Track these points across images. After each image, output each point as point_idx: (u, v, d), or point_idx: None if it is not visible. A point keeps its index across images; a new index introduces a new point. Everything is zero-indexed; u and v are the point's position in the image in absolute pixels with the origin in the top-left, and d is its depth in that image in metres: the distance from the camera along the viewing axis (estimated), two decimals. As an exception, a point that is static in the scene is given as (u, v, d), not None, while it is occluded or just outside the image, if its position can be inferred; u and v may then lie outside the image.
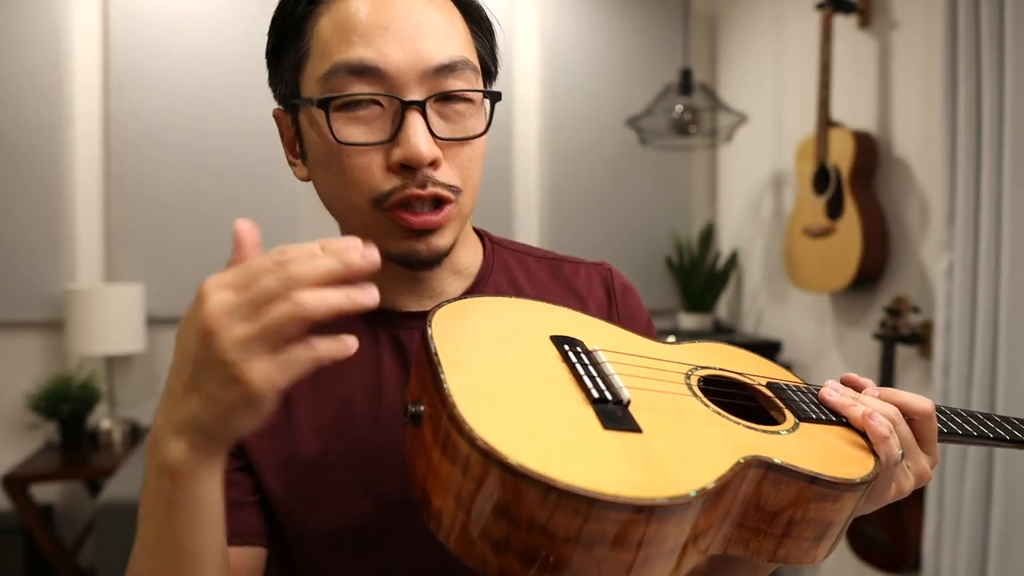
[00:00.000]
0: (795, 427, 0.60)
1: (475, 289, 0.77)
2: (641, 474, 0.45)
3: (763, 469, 0.52)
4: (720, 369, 0.67)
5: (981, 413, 0.72)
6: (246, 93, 2.69)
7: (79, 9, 2.60)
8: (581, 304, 0.80)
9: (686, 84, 2.76)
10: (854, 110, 2.49)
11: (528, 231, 3.13)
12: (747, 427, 0.57)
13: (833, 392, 0.64)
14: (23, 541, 2.43)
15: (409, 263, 0.69)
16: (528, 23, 3.09)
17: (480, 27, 0.71)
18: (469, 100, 0.67)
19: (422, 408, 0.51)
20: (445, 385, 0.48)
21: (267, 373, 0.45)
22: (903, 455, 0.60)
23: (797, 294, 2.81)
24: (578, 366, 0.56)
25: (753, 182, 3.11)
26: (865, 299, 2.49)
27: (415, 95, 0.63)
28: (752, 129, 3.00)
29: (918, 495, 2.16)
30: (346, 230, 0.72)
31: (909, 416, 0.63)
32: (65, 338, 2.47)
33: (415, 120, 0.63)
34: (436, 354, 0.52)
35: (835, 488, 0.54)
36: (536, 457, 0.43)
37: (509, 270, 0.81)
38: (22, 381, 2.56)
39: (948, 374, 2.03)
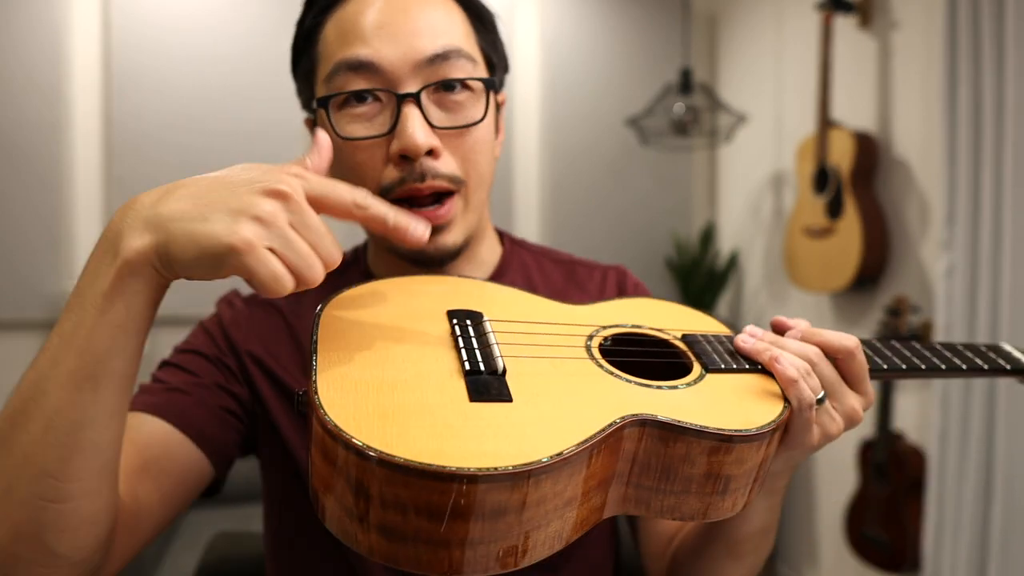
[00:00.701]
0: (699, 379, 0.58)
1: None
2: (495, 444, 0.45)
3: (644, 427, 0.51)
4: (633, 327, 0.64)
5: (917, 343, 0.68)
6: (246, 93, 2.69)
7: (79, 9, 2.60)
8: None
9: (686, 84, 2.76)
10: (854, 110, 2.49)
11: (528, 231, 3.13)
12: (640, 385, 0.55)
13: (748, 339, 0.61)
14: (23, 541, 2.43)
15: (418, 261, 0.71)
16: (528, 23, 3.09)
17: (481, 21, 0.72)
18: (469, 89, 0.68)
19: (305, 395, 0.52)
20: (314, 372, 0.50)
21: (258, 252, 0.45)
22: (824, 397, 0.57)
23: (797, 294, 2.81)
24: (460, 339, 0.56)
25: (753, 182, 3.11)
26: (865, 299, 2.49)
27: (410, 87, 0.65)
28: (752, 129, 3.00)
29: (918, 494, 2.16)
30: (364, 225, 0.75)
31: (832, 355, 0.59)
32: (65, 338, 2.47)
33: (411, 111, 0.64)
34: (316, 341, 0.54)
35: (725, 440, 0.51)
36: (382, 436, 0.44)
37: (526, 269, 0.82)
38: (22, 381, 2.56)
39: (948, 374, 2.03)
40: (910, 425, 2.29)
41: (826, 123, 2.40)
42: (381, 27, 0.65)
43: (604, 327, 0.63)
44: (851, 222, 2.33)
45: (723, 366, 0.59)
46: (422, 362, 0.53)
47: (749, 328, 0.62)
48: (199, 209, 0.46)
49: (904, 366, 0.65)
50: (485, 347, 0.55)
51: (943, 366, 0.66)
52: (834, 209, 2.39)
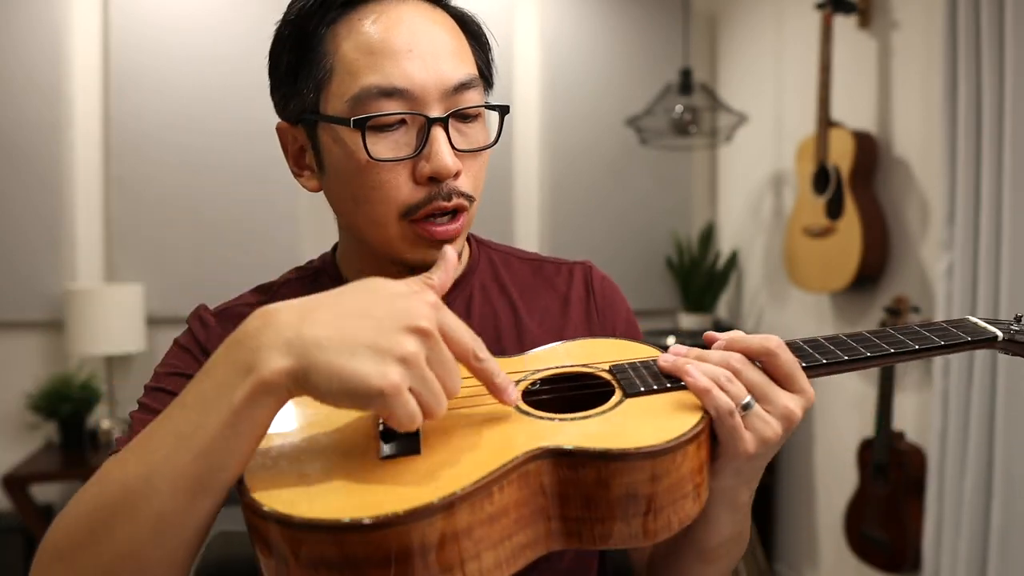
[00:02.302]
0: (616, 405, 0.59)
1: (461, 283, 0.81)
2: (395, 494, 0.48)
3: (553, 458, 0.53)
4: (559, 367, 0.67)
5: (845, 334, 0.66)
6: (246, 93, 2.68)
7: (79, 9, 2.60)
8: (562, 300, 0.85)
9: (686, 84, 2.76)
10: (854, 110, 2.49)
11: (528, 231, 3.13)
12: (551, 420, 0.57)
13: (669, 357, 0.62)
14: (23, 541, 2.43)
15: (420, 270, 0.71)
16: (528, 23, 3.09)
17: (478, 42, 0.77)
18: (478, 113, 0.72)
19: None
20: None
21: (404, 395, 0.47)
22: (750, 403, 0.58)
23: (797, 294, 2.81)
24: None
25: (753, 182, 3.11)
26: (865, 299, 2.49)
27: (436, 111, 0.69)
28: (752, 129, 3.00)
29: (918, 494, 2.16)
30: (366, 240, 0.74)
31: (755, 359, 0.60)
32: (65, 338, 2.47)
33: (440, 135, 0.68)
34: None
35: (629, 459, 0.52)
36: (289, 501, 0.48)
37: (493, 266, 0.86)
38: (22, 381, 2.56)
39: (948, 374, 2.03)
40: (910, 425, 2.29)
41: (826, 123, 2.40)
42: (410, 50, 0.67)
43: (533, 371, 0.66)
44: (851, 222, 2.33)
45: (643, 389, 0.60)
46: (344, 429, 0.57)
47: (673, 347, 0.63)
48: (345, 341, 0.47)
49: (846, 357, 0.63)
50: None
51: (892, 350, 0.63)
52: (834, 209, 2.39)
